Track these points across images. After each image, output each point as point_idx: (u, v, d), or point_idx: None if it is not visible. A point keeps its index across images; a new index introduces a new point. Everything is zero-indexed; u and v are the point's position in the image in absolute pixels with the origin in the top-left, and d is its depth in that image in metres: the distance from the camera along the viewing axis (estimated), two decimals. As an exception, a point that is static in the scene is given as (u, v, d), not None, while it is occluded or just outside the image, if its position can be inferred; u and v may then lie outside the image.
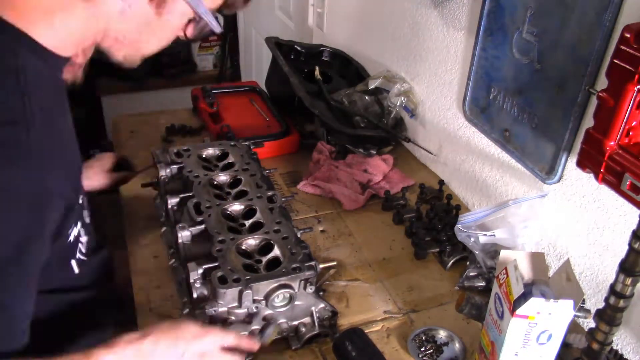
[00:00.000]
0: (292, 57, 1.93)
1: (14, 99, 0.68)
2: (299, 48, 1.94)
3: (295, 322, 1.05)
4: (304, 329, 1.05)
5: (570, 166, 1.16)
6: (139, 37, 0.81)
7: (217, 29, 0.83)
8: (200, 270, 0.98)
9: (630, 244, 0.82)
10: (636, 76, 0.84)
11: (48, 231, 0.75)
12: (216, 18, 0.84)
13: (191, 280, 0.98)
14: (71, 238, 0.88)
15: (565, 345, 0.98)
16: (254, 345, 0.93)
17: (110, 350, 0.78)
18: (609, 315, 0.87)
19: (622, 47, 0.86)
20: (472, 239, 1.19)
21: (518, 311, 0.85)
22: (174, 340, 0.82)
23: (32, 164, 0.69)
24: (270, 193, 1.19)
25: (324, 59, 1.98)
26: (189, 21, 0.84)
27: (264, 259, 1.04)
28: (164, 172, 1.24)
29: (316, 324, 1.05)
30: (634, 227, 0.81)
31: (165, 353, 0.81)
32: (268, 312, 1.01)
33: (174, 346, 0.82)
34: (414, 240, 1.33)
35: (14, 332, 0.73)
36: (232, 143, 1.36)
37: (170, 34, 0.84)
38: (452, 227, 1.24)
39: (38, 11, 0.74)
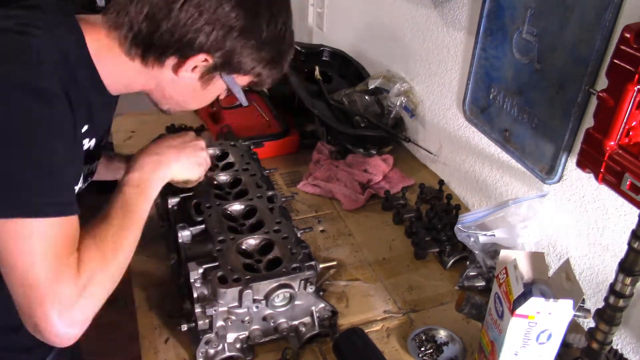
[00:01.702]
0: (292, 57, 1.92)
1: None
2: (299, 48, 1.94)
3: (295, 322, 1.05)
4: (304, 329, 1.05)
5: (570, 166, 1.16)
6: (183, 99, 0.97)
7: (245, 103, 1.01)
8: (201, 270, 0.98)
9: (629, 244, 0.82)
10: (636, 76, 0.84)
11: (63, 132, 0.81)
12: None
13: (191, 280, 0.98)
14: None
15: (565, 345, 0.98)
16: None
17: (133, 170, 0.93)
18: (609, 315, 0.87)
19: (622, 47, 0.86)
20: (472, 239, 1.19)
21: (518, 311, 0.85)
22: (169, 143, 1.00)
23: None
24: (270, 193, 1.19)
25: (324, 59, 1.98)
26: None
27: (264, 259, 1.04)
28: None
29: (316, 323, 1.05)
30: (634, 227, 0.81)
31: (167, 150, 0.99)
32: (268, 311, 1.01)
33: (171, 144, 1.01)
34: (414, 240, 1.33)
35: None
36: (232, 143, 1.36)
37: (208, 100, 1.00)
38: (452, 227, 1.24)
39: (109, 52, 0.87)
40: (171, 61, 0.88)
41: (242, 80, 0.96)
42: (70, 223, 0.78)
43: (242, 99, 0.99)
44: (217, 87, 0.95)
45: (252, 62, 0.90)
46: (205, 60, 0.88)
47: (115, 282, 0.82)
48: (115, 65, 0.88)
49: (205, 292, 1.00)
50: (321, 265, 1.06)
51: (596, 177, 0.95)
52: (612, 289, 0.86)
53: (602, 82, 0.96)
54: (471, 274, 1.22)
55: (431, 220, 1.38)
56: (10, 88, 0.72)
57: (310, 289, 1.01)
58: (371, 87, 1.75)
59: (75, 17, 0.86)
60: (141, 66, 0.88)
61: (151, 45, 0.86)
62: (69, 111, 0.79)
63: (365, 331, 1.05)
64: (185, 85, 0.92)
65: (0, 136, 0.71)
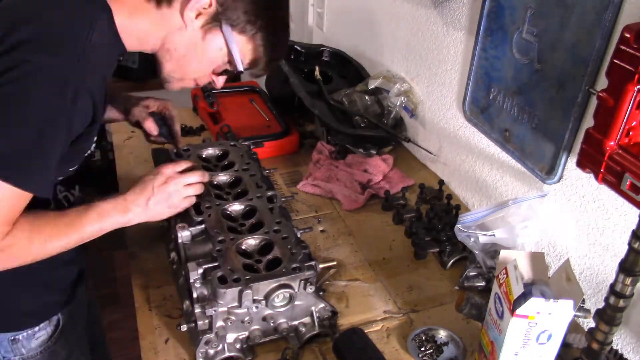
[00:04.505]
0: (292, 57, 1.93)
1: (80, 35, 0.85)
2: (299, 48, 1.94)
3: (295, 322, 1.05)
4: (303, 329, 1.05)
5: (570, 166, 1.16)
6: (184, 54, 1.00)
7: (241, 68, 1.04)
8: (200, 270, 0.98)
9: (629, 244, 0.82)
10: (636, 76, 0.84)
11: (72, 127, 0.88)
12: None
13: (191, 280, 0.98)
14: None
15: (565, 345, 0.98)
16: (204, 176, 1.12)
17: (99, 217, 0.98)
18: (609, 315, 0.87)
19: (622, 47, 0.86)
20: (472, 239, 1.19)
21: (518, 311, 0.85)
22: (143, 187, 1.04)
23: (77, 57, 0.84)
24: (270, 193, 1.19)
25: (324, 59, 1.98)
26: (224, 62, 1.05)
27: (264, 259, 1.04)
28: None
29: (316, 323, 1.05)
30: (634, 227, 0.81)
31: (139, 198, 1.03)
32: (268, 311, 1.01)
33: (144, 189, 1.04)
34: (414, 240, 1.33)
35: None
36: (232, 143, 1.36)
37: (205, 64, 1.04)
38: (452, 227, 1.24)
39: (126, 2, 0.94)
40: (179, 1, 0.95)
41: (242, 46, 1.01)
42: (25, 198, 0.85)
43: (238, 62, 1.02)
44: (215, 46, 1.00)
45: (248, 21, 0.98)
46: (210, 5, 0.95)
47: (24, 264, 0.91)
48: (132, 16, 0.95)
49: (205, 292, 1.00)
50: (321, 266, 1.06)
51: (596, 177, 0.95)
52: (612, 289, 0.86)
53: (602, 82, 0.96)
54: (471, 274, 1.22)
55: (431, 221, 1.38)
56: (48, 80, 0.81)
57: (310, 289, 1.01)
58: (371, 87, 1.75)
59: None
60: (155, 9, 0.95)
61: None
62: (90, 108, 0.88)
63: (365, 331, 1.05)
64: (189, 37, 0.98)
65: (27, 112, 0.80)
